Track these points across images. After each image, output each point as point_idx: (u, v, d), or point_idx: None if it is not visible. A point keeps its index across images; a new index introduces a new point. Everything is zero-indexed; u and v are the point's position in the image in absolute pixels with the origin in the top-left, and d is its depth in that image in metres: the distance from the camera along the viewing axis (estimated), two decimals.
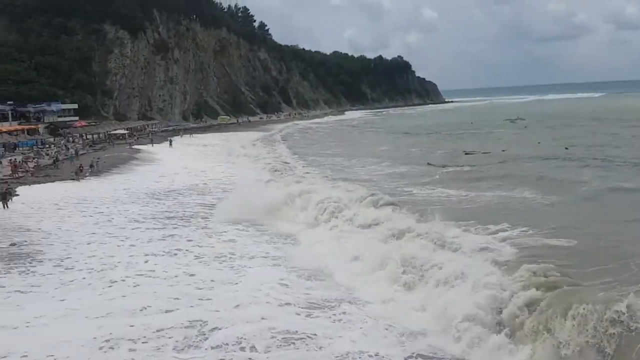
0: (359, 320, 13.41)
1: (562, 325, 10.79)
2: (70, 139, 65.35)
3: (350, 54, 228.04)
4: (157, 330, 12.72)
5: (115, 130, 74.19)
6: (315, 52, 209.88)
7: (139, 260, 18.45)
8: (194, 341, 12.24)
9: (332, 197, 24.97)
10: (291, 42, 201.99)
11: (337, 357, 11.55)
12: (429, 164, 40.70)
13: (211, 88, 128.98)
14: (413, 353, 11.75)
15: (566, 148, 45.94)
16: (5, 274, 17.15)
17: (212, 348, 11.89)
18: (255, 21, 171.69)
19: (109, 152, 56.07)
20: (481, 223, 20.83)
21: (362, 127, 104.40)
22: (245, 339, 12.16)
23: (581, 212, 22.65)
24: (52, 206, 28.14)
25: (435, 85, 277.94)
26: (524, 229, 19.55)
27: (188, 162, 49.19)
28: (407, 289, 14.82)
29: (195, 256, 19.08)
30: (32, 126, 69.05)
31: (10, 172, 37.97)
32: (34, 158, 46.70)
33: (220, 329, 12.70)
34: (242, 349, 11.82)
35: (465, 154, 46.60)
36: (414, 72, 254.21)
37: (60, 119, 76.74)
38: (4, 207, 26.99)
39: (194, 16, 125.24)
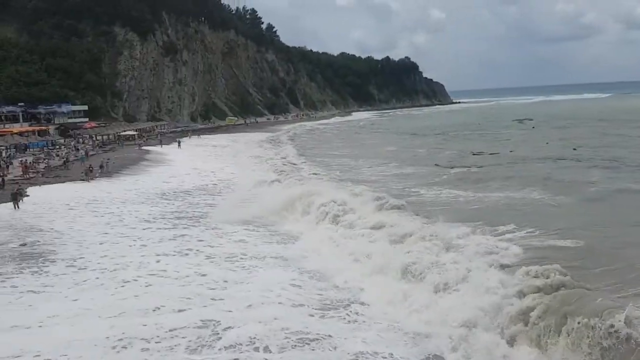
0: (371, 321, 13.39)
1: (555, 341, 10.82)
2: (80, 140, 65.85)
3: (357, 55, 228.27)
4: (170, 330, 12.75)
5: (124, 131, 74.75)
6: (323, 53, 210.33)
7: (151, 260, 18.54)
8: (207, 341, 12.23)
9: (336, 200, 24.86)
10: (299, 43, 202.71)
11: (351, 357, 11.51)
12: (436, 165, 40.75)
13: (219, 89, 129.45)
14: (429, 354, 11.69)
15: (574, 149, 45.81)
16: (17, 274, 17.26)
17: (226, 348, 11.88)
18: (263, 23, 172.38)
19: (119, 153, 56.46)
20: (488, 224, 20.90)
21: (369, 127, 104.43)
22: (258, 339, 12.16)
23: (589, 213, 22.64)
24: (63, 206, 28.32)
25: (442, 86, 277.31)
26: (531, 229, 19.61)
27: (197, 162, 49.38)
28: (411, 292, 14.75)
29: (206, 256, 19.14)
30: (43, 127, 69.63)
31: (21, 173, 38.39)
32: (44, 159, 47.14)
33: (233, 329, 12.70)
34: (256, 349, 11.81)
35: (473, 154, 46.62)
36: (421, 73, 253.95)
37: (70, 121, 77.35)
38: (15, 207, 27.21)
39: (203, 18, 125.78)
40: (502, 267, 14.69)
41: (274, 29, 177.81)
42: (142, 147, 62.00)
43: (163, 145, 64.19)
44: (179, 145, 64.73)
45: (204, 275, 16.92)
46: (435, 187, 31.21)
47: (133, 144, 66.05)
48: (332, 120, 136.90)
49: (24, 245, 20.60)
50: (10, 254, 19.45)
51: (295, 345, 11.98)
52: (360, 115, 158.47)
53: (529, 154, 44.83)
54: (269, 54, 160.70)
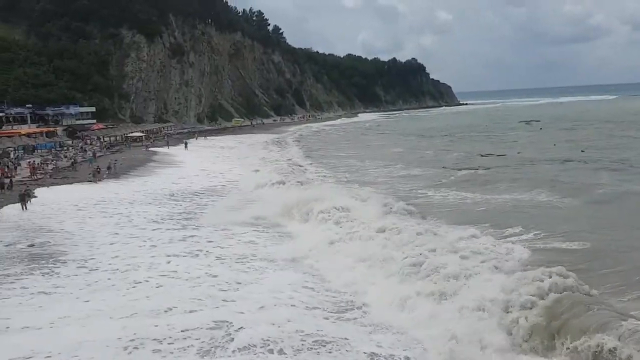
0: (385, 324, 13.28)
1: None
2: (88, 141, 66.12)
3: (364, 57, 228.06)
4: (182, 331, 12.72)
5: (131, 132, 74.96)
6: (329, 54, 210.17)
7: (161, 261, 18.57)
8: (220, 342, 12.17)
9: (342, 204, 24.82)
10: (305, 45, 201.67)
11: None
12: (444, 167, 40.66)
13: (226, 91, 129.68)
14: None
15: (582, 151, 45.66)
16: (28, 275, 17.27)
17: (239, 350, 11.83)
18: (269, 25, 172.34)
19: (126, 154, 56.55)
20: (495, 226, 20.94)
21: (375, 129, 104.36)
22: (272, 341, 12.10)
23: (596, 215, 22.59)
24: (71, 207, 28.37)
25: (449, 87, 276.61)
26: (538, 232, 19.63)
27: (205, 164, 49.45)
28: (417, 297, 14.69)
29: (216, 257, 19.14)
30: (51, 129, 69.89)
31: (29, 174, 38.57)
32: (52, 160, 47.32)
33: (246, 331, 12.65)
34: (270, 351, 11.75)
35: (481, 156, 46.52)
36: (428, 74, 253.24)
37: (78, 122, 77.65)
38: (23, 208, 27.29)
39: (209, 20, 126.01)
40: (507, 273, 14.53)
41: (281, 31, 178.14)
42: (149, 149, 62.14)
43: (170, 147, 64.37)
44: (186, 146, 64.85)
45: (215, 276, 16.90)
46: (442, 188, 31.19)
47: (140, 145, 66.21)
48: (338, 121, 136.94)
49: (32, 246, 20.63)
50: (19, 254, 19.51)
51: (311, 348, 11.89)
52: (367, 117, 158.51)
53: (536, 155, 44.72)
54: (275, 56, 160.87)
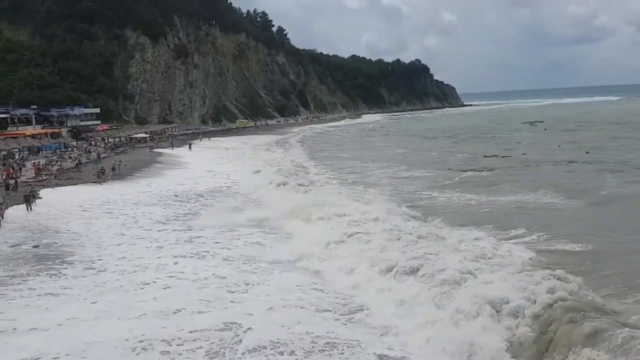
0: (394, 327, 13.20)
1: None
2: (92, 142, 66.33)
3: (367, 58, 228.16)
4: (191, 332, 12.70)
5: (136, 133, 75.08)
6: (333, 56, 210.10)
7: (168, 262, 18.56)
8: (229, 344, 12.14)
9: (344, 208, 24.81)
10: (309, 46, 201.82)
11: None
12: (448, 169, 40.58)
13: (230, 92, 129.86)
14: None
15: (587, 152, 45.52)
16: (34, 276, 17.23)
17: (249, 351, 11.78)
18: (273, 26, 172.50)
19: (130, 155, 56.67)
20: (499, 228, 20.91)
21: (379, 130, 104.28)
22: (282, 343, 12.06)
23: (600, 217, 22.53)
24: (77, 208, 28.38)
25: (453, 88, 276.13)
26: (541, 233, 19.60)
27: (210, 164, 49.55)
28: (418, 298, 14.56)
29: (223, 258, 19.13)
30: (56, 130, 70.09)
31: (34, 175, 38.70)
32: (57, 161, 47.45)
33: (255, 332, 12.62)
34: (281, 353, 11.69)
35: (485, 157, 46.43)
36: (432, 75, 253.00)
37: (82, 123, 77.83)
38: (28, 209, 27.33)
39: (214, 21, 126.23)
40: (506, 274, 14.39)
41: (285, 32, 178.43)
42: (154, 150, 62.25)
43: (174, 148, 64.51)
44: (190, 147, 65.00)
45: (223, 277, 16.88)
46: (447, 190, 31.16)
47: (144, 146, 66.33)
48: (342, 122, 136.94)
49: (36, 247, 20.63)
50: (24, 255, 19.50)
51: (323, 350, 11.84)
52: (370, 118, 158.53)
53: (541, 157, 44.61)
54: (279, 57, 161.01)
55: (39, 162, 44.21)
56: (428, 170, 40.58)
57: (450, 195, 29.39)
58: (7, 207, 26.21)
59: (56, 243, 21.19)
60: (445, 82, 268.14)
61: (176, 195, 33.25)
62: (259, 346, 11.93)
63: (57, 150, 58.30)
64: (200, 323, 13.20)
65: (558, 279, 13.16)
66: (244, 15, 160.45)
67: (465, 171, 38.39)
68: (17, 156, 50.39)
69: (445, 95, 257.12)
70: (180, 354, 11.78)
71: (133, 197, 32.64)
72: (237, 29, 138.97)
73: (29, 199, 27.87)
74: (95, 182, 36.84)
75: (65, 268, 18.06)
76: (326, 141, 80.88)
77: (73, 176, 40.02)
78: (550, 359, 10.73)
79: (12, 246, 20.73)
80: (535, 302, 12.17)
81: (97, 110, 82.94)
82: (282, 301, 14.78)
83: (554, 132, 72.30)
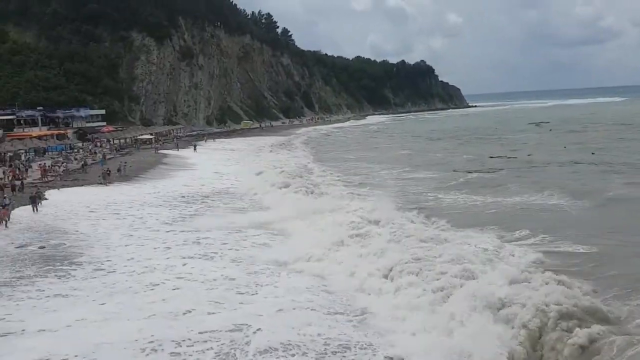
0: (398, 328, 13.16)
1: None
2: (98, 143, 66.57)
3: (372, 59, 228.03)
4: (200, 333, 12.68)
5: (141, 135, 75.32)
6: (338, 57, 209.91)
7: (177, 263, 18.55)
8: (239, 345, 12.11)
9: (351, 209, 24.80)
10: (314, 47, 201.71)
11: None
12: (454, 170, 40.47)
13: (235, 93, 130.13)
14: None
15: (592, 153, 45.33)
16: (42, 277, 17.21)
17: (260, 353, 11.73)
18: (278, 27, 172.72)
19: (136, 156, 56.79)
20: (504, 229, 20.82)
21: (384, 131, 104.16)
22: (293, 344, 12.02)
23: (605, 219, 22.40)
24: (83, 209, 28.43)
25: (458, 89, 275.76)
26: (545, 235, 19.49)
27: (214, 166, 49.54)
28: (419, 300, 14.50)
29: (231, 259, 19.13)
30: (61, 131, 70.30)
31: (40, 176, 38.85)
32: (63, 162, 47.61)
33: (265, 334, 12.59)
34: (292, 355, 11.64)
35: (491, 158, 46.30)
36: (437, 76, 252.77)
37: (88, 125, 78.12)
38: (34, 210, 27.36)
39: (219, 23, 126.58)
40: (506, 276, 14.41)
41: (289, 34, 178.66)
42: (159, 151, 62.43)
43: (179, 149, 64.66)
44: (195, 149, 65.15)
45: (232, 279, 16.84)
46: (452, 191, 31.05)
47: (150, 147, 66.54)
48: (347, 123, 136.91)
49: (42, 248, 20.64)
50: (31, 256, 19.51)
51: (336, 352, 11.80)
52: (375, 119, 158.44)
53: (546, 158, 44.44)
54: (284, 58, 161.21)
55: (45, 163, 44.34)
56: (433, 171, 40.47)
57: (456, 197, 29.30)
58: (13, 208, 26.24)
59: (64, 244, 21.19)
60: (450, 84, 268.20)
61: (182, 197, 33.28)
62: (270, 347, 11.90)
63: (63, 151, 58.41)
64: (210, 324, 13.19)
65: (559, 284, 13.07)
66: (249, 16, 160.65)
67: (471, 172, 38.25)
68: (23, 157, 50.60)
69: (450, 97, 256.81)
70: (191, 355, 11.76)
71: (139, 198, 32.67)
72: (242, 30, 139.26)
73: (35, 200, 27.93)
74: (101, 183, 36.95)
75: (74, 269, 18.06)
76: (330, 142, 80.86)
77: (79, 177, 40.12)
78: None
79: (18, 247, 20.74)
80: (532, 308, 12.05)
81: (103, 111, 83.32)
82: (292, 303, 14.77)
83: (560, 133, 72.00)
